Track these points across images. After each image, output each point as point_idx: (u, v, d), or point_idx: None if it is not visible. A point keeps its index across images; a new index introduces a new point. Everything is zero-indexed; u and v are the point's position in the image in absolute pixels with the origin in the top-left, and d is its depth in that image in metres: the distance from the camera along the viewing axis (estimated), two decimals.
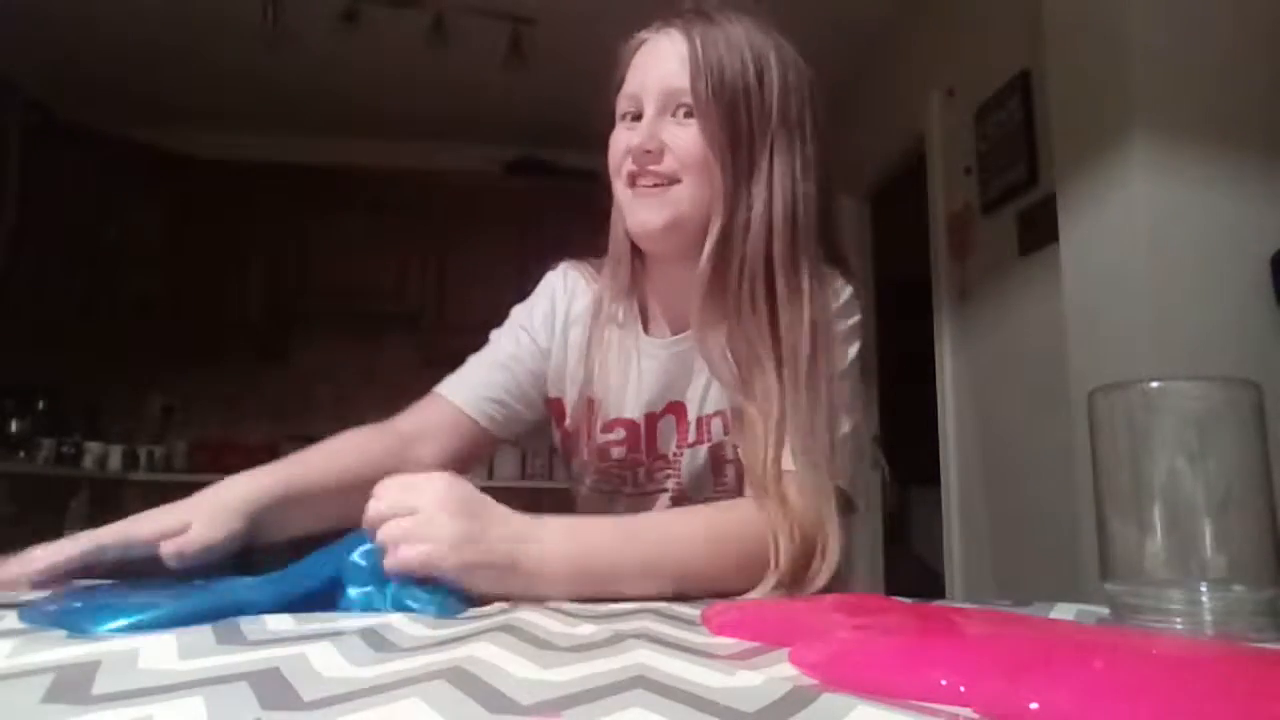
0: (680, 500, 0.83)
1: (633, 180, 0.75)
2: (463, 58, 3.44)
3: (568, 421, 0.86)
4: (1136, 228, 1.63)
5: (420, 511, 0.53)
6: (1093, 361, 1.72)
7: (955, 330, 2.81)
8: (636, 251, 0.82)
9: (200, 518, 0.63)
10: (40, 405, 3.42)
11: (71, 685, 0.31)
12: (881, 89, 3.41)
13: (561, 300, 0.88)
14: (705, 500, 0.79)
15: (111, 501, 3.30)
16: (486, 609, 0.52)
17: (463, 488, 0.56)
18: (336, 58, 3.53)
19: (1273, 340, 1.55)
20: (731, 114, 0.72)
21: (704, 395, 0.80)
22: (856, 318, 0.78)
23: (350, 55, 3.50)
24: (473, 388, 0.85)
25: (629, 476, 0.85)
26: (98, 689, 0.30)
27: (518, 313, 0.91)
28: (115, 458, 3.50)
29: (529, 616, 0.48)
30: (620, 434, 0.83)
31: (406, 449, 0.80)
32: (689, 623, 0.48)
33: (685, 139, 0.73)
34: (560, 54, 3.37)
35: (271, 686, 0.31)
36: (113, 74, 3.66)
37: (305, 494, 0.71)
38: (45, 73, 3.45)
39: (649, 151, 0.73)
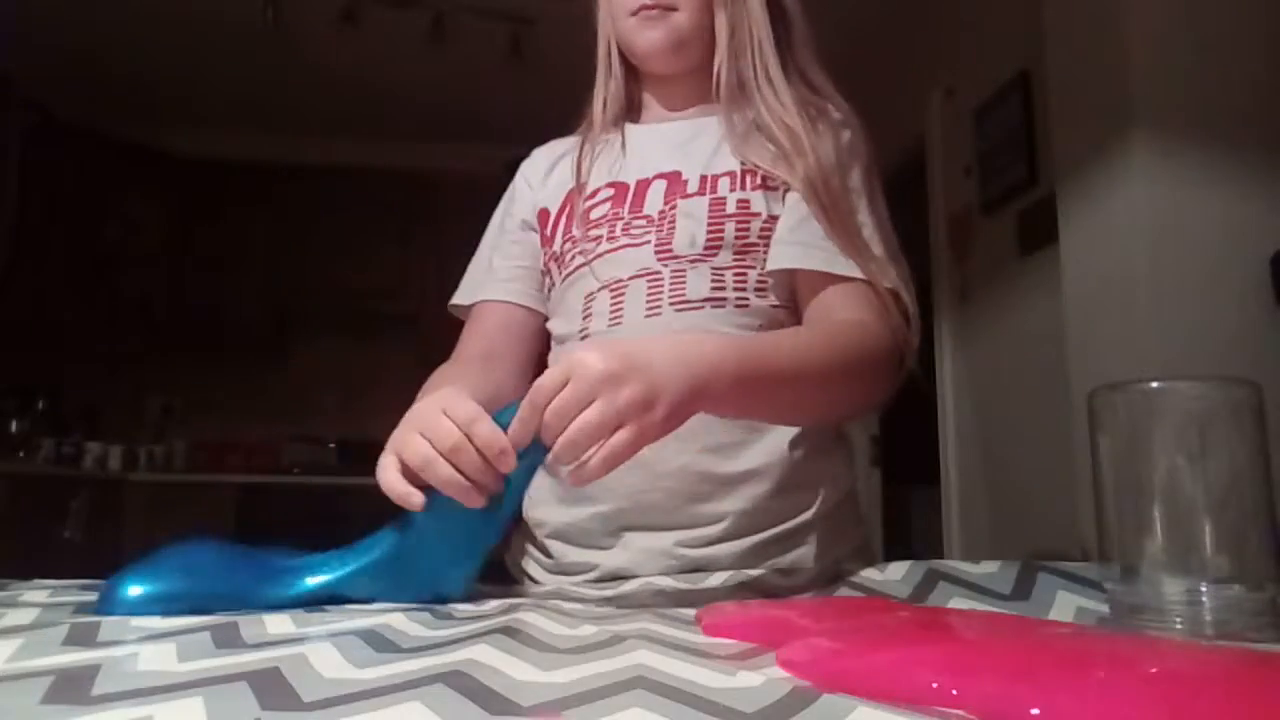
0: (663, 254, 0.81)
1: (635, 12, 0.85)
2: (463, 58, 3.44)
3: (550, 222, 0.89)
4: (1136, 228, 1.62)
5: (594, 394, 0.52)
6: (1093, 361, 1.72)
7: (955, 330, 2.81)
8: (628, 81, 0.92)
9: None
10: (40, 405, 3.42)
11: (71, 686, 0.31)
12: (881, 89, 3.41)
13: (542, 156, 0.96)
14: (690, 260, 0.80)
15: (111, 501, 3.30)
16: (485, 609, 0.52)
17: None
18: (336, 58, 3.52)
19: (1273, 340, 1.55)
20: None
21: (711, 158, 0.85)
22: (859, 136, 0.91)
23: (350, 55, 3.49)
24: (494, 279, 0.92)
25: (604, 234, 0.84)
26: (97, 690, 0.30)
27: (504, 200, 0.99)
28: (115, 458, 3.49)
29: (529, 618, 0.48)
30: (608, 193, 0.86)
31: (488, 377, 0.82)
32: (687, 623, 0.48)
33: None
34: (560, 54, 3.35)
35: (271, 687, 0.31)
36: (112, 74, 3.66)
37: None
38: (45, 73, 3.44)
39: None
